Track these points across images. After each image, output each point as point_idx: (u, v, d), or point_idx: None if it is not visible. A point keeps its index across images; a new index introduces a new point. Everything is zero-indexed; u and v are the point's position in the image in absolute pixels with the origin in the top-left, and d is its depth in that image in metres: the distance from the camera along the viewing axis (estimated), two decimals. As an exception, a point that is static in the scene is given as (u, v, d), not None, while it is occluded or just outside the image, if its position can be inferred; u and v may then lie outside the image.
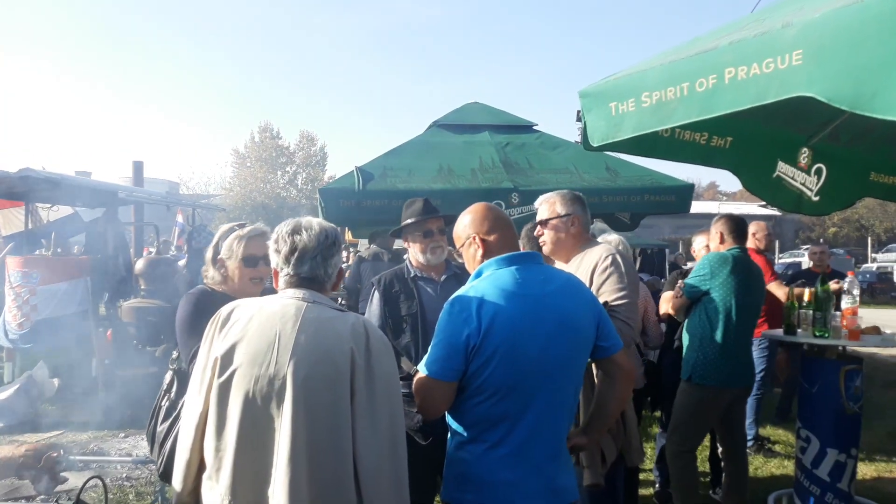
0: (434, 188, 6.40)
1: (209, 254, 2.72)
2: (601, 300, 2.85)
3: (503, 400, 2.07)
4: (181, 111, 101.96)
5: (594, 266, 2.99)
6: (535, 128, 8.12)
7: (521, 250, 2.28)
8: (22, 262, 7.33)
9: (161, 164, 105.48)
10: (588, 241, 3.23)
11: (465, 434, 2.15)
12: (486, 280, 2.16)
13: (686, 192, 6.97)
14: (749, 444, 6.12)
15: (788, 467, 5.64)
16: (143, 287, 7.79)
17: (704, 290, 3.97)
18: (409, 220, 3.39)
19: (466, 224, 2.33)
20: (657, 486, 4.90)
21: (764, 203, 5.07)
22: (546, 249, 3.22)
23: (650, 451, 5.33)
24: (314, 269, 1.98)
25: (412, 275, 3.44)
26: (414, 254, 3.43)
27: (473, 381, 2.08)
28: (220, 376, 1.89)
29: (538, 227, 3.24)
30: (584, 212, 3.22)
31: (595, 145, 3.34)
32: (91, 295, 7.40)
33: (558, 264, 3.28)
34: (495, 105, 8.48)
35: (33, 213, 8.26)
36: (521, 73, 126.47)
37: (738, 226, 4.18)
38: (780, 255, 30.03)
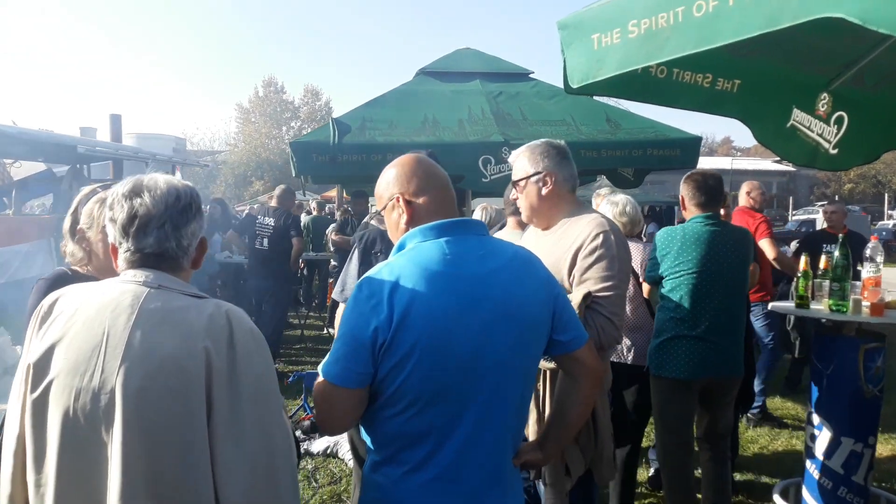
0: (417, 141, 5.87)
1: (66, 223, 2.22)
2: (583, 288, 2.37)
3: (426, 410, 1.60)
4: (187, 66, 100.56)
5: (580, 244, 2.41)
6: (531, 76, 7.51)
7: (458, 215, 1.77)
8: (-22, 223, 6.92)
9: (168, 121, 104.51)
10: (574, 204, 2.61)
11: (379, 454, 1.68)
12: (407, 255, 1.67)
13: (693, 146, 6.40)
14: (755, 412, 5.70)
15: (797, 446, 5.20)
16: None
17: (658, 274, 3.46)
18: None
19: (390, 181, 1.82)
20: (651, 470, 4.48)
21: (778, 158, 4.49)
22: (523, 217, 2.69)
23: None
24: (161, 241, 1.50)
25: None
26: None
27: (386, 387, 1.60)
28: (33, 390, 1.46)
29: (514, 190, 2.67)
30: (563, 166, 2.55)
31: (574, 87, 2.82)
32: (56, 258, 6.98)
33: (533, 235, 2.74)
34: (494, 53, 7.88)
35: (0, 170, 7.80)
36: (521, 26, 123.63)
37: (700, 188, 3.49)
38: (795, 213, 29.24)
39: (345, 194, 12.70)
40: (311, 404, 5.61)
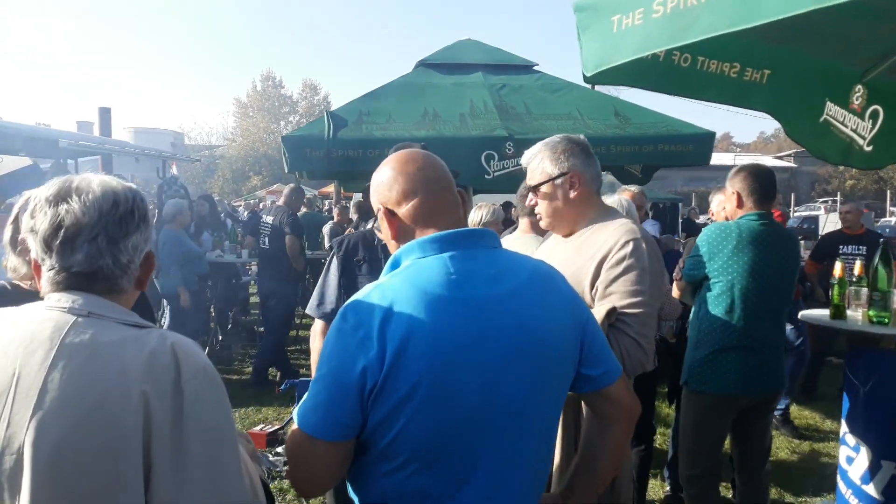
0: (416, 135, 5.57)
1: (6, 233, 1.90)
2: (607, 303, 2.03)
3: (428, 467, 1.30)
4: (186, 62, 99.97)
5: (606, 253, 2.07)
6: (535, 68, 7.21)
7: (478, 225, 1.45)
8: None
9: (167, 116, 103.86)
10: (599, 207, 2.26)
11: None
12: (402, 275, 1.37)
13: (706, 142, 6.11)
14: (776, 414, 5.40)
15: (822, 460, 4.92)
16: None
17: (703, 274, 3.12)
18: None
19: (374, 188, 1.52)
20: (668, 489, 4.19)
21: (779, 154, 4.16)
22: (543, 224, 2.32)
23: (662, 438, 4.62)
24: (93, 258, 1.20)
25: (384, 241, 2.63)
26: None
27: (379, 438, 1.30)
28: None
29: (530, 195, 2.30)
30: (589, 164, 2.21)
31: (589, 74, 2.51)
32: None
33: (553, 243, 2.39)
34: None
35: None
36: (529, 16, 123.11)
37: (761, 183, 3.14)
38: (796, 209, 28.99)
39: (342, 191, 12.35)
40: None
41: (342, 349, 1.29)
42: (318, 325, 2.72)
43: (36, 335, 1.14)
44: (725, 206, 3.39)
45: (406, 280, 1.34)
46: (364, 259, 2.65)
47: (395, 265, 1.43)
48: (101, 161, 8.80)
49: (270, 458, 4.64)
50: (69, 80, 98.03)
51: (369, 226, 2.93)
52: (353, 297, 1.37)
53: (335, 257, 2.70)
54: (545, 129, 5.89)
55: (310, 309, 2.74)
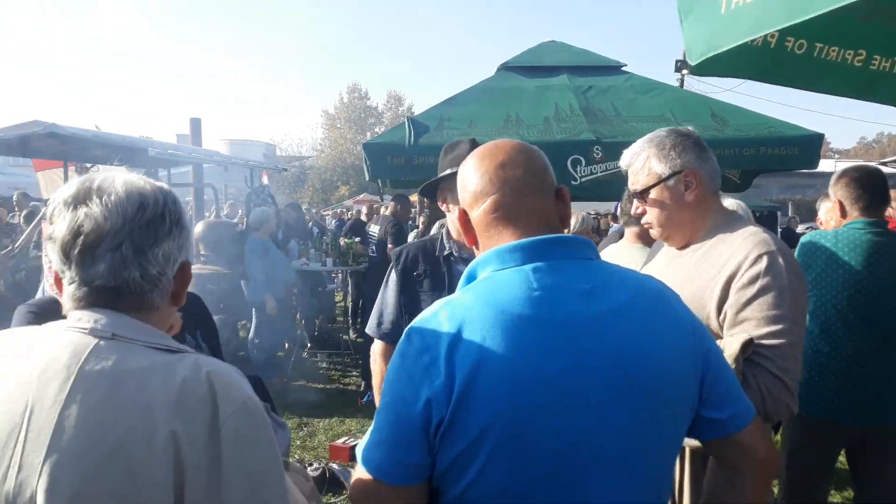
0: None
1: (44, 237, 1.83)
2: (739, 332, 1.68)
3: None
4: (280, 73, 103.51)
5: (735, 270, 1.71)
6: (623, 69, 6.88)
7: (569, 231, 1.22)
8: (56, 228, 6.88)
9: (259, 127, 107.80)
10: (722, 213, 1.91)
11: None
12: (476, 291, 1.15)
13: (813, 144, 5.62)
14: None
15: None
16: (202, 252, 7.39)
17: None
18: (449, 170, 2.31)
19: (458, 185, 1.32)
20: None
21: (885, 160, 3.70)
22: (655, 234, 1.98)
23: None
24: (117, 269, 1.04)
25: (446, 252, 2.42)
26: (453, 222, 2.39)
27: (448, 487, 1.10)
28: None
29: (636, 202, 1.98)
30: (704, 160, 1.90)
31: (695, 63, 2.25)
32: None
33: (666, 258, 2.06)
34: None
35: (80, 173, 7.82)
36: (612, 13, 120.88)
37: (867, 187, 2.73)
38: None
39: (425, 200, 12.30)
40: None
41: (405, 377, 1.10)
42: (377, 345, 2.52)
43: (51, 362, 0.99)
44: (832, 218, 3.00)
45: (479, 296, 1.12)
46: (425, 273, 2.40)
47: (471, 278, 1.22)
48: (193, 170, 9.04)
49: (352, 472, 4.53)
50: (169, 93, 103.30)
51: (433, 231, 2.71)
52: (419, 317, 1.18)
53: (393, 271, 2.46)
54: (636, 131, 5.58)
55: (369, 328, 2.53)
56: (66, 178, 7.63)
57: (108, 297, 1.06)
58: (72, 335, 1.02)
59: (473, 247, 1.29)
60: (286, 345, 7.74)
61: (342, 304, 11.17)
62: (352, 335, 8.52)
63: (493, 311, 1.09)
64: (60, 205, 1.06)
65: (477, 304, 1.11)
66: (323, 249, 8.50)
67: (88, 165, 7.84)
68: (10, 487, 0.94)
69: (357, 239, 8.44)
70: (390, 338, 2.44)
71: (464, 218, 1.28)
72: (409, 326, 1.17)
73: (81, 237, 1.03)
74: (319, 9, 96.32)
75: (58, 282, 1.10)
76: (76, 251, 1.03)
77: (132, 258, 1.05)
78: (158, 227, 1.07)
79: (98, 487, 0.92)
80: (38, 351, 1.02)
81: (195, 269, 7.58)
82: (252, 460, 0.99)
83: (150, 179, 1.14)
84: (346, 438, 5.15)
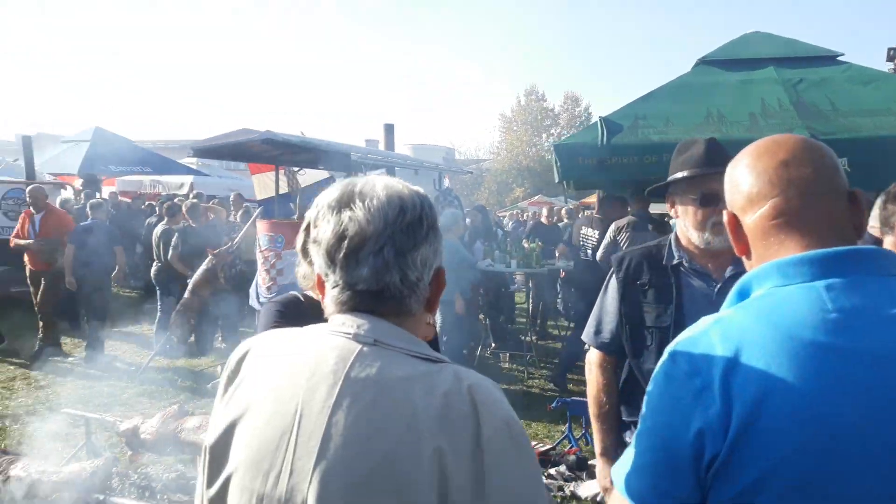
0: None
1: (299, 240, 1.91)
2: None
3: None
4: (458, 79, 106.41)
5: None
6: (839, 59, 6.29)
7: (856, 243, 1.06)
8: (269, 227, 7.49)
9: (440, 132, 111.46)
10: None
11: None
12: (755, 309, 1.03)
13: None
14: None
15: None
16: None
17: None
18: (680, 174, 2.14)
19: (727, 185, 1.20)
20: None
21: None
22: None
23: None
24: (379, 273, 1.03)
25: (675, 261, 2.19)
26: (684, 228, 2.18)
27: None
28: (209, 483, 1.07)
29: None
30: None
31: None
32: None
33: None
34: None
35: (289, 177, 8.50)
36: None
37: None
38: None
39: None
40: (577, 435, 5.12)
41: (671, 401, 1.02)
42: (593, 354, 2.40)
43: (319, 366, 1.01)
44: None
45: (760, 316, 1.00)
46: (649, 283, 2.20)
47: (744, 294, 1.09)
48: (385, 174, 9.50)
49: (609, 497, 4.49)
50: (361, 101, 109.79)
51: (608, 234, 2.57)
52: (683, 335, 1.08)
53: (614, 277, 2.31)
54: (857, 127, 5.08)
55: (586, 335, 2.40)
56: (276, 181, 8.34)
57: (369, 302, 1.05)
58: (337, 339, 1.03)
59: (744, 257, 1.16)
60: (470, 343, 7.90)
61: (523, 305, 11.22)
62: (533, 337, 8.53)
63: (778, 335, 0.95)
64: (325, 208, 1.08)
65: (756, 325, 0.98)
66: (507, 251, 8.59)
67: (296, 169, 8.52)
68: (281, 491, 0.96)
69: (539, 242, 8.43)
70: (609, 347, 2.34)
71: (734, 224, 1.14)
72: (672, 346, 1.08)
73: (346, 240, 1.03)
74: (497, 12, 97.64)
75: (320, 285, 1.12)
76: (341, 254, 1.04)
77: (393, 262, 1.04)
78: (417, 231, 1.06)
79: (366, 500, 0.92)
80: (304, 353, 1.05)
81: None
82: (516, 483, 0.95)
83: (408, 184, 1.15)
84: (534, 444, 5.15)
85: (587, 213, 11.40)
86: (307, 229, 1.87)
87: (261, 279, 7.56)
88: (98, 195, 13.26)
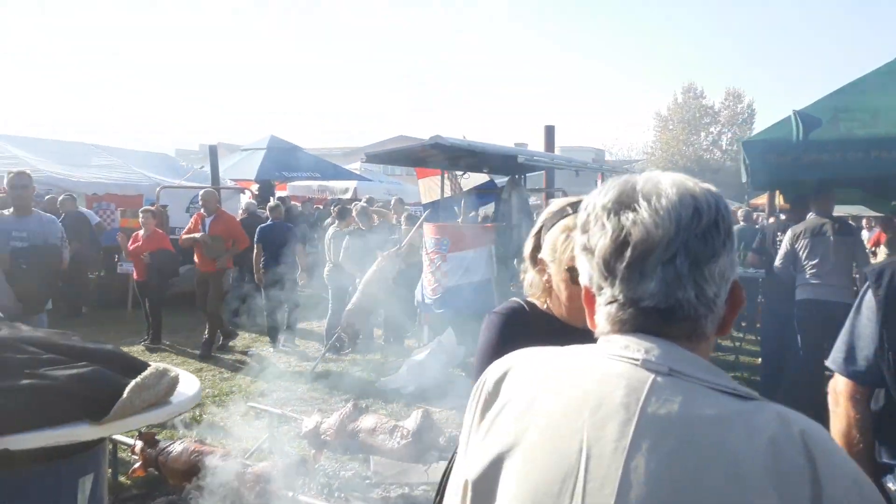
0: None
1: (528, 245, 1.74)
2: None
3: None
4: (608, 78, 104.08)
5: None
6: None
7: None
8: (434, 230, 7.60)
9: (587, 133, 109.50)
10: None
11: None
12: None
13: None
14: None
15: None
16: None
17: None
18: None
19: None
20: None
21: None
22: None
23: None
24: (670, 288, 0.88)
25: None
26: None
27: None
28: None
29: None
30: None
31: None
32: (495, 264, 7.32)
33: None
34: None
35: (452, 181, 8.60)
36: None
37: None
38: None
39: (781, 201, 11.14)
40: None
41: None
42: (841, 384, 2.07)
43: (605, 397, 0.86)
44: None
45: None
46: None
47: None
48: (545, 175, 9.38)
49: None
50: (514, 102, 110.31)
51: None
52: None
53: (870, 294, 1.99)
54: None
55: (832, 362, 2.10)
56: (442, 185, 8.45)
57: (656, 322, 0.89)
58: (620, 366, 0.88)
59: None
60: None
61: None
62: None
63: None
64: (599, 210, 0.93)
65: None
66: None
67: (459, 173, 8.60)
68: None
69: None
70: (864, 377, 2.02)
71: None
72: None
73: (629, 248, 0.88)
74: (656, 10, 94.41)
75: (588, 299, 0.98)
76: (622, 265, 0.89)
77: (687, 274, 0.87)
78: (714, 236, 0.89)
79: None
80: (582, 380, 0.91)
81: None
82: None
83: (696, 180, 0.97)
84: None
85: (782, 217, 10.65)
86: (537, 235, 1.79)
87: (426, 281, 7.71)
88: (272, 199, 14.18)
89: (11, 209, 5.32)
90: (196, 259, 8.24)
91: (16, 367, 2.08)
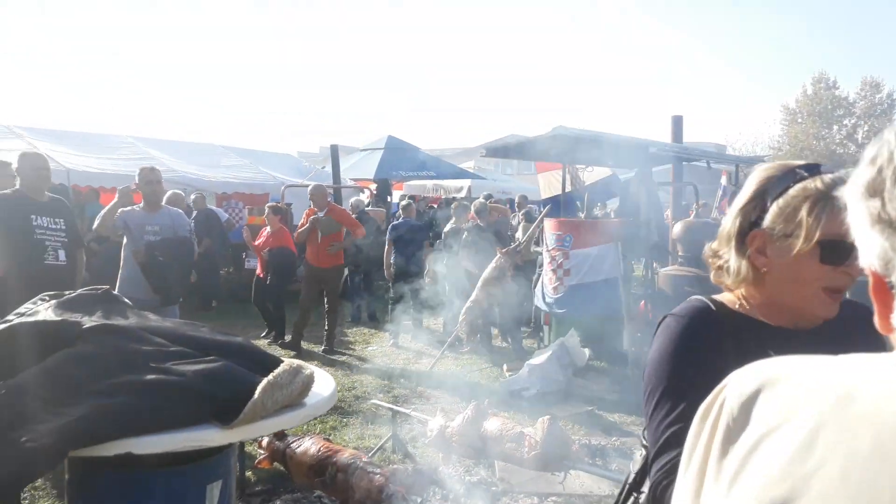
0: None
1: (731, 222, 1.39)
2: None
3: None
4: (727, 70, 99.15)
5: None
6: None
7: None
8: (556, 225, 7.29)
9: (706, 126, 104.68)
10: None
11: None
12: None
13: None
14: None
15: None
16: (680, 253, 7.20)
17: None
18: None
19: None
20: None
21: None
22: None
23: None
24: None
25: None
26: None
27: None
28: None
29: None
30: None
31: None
32: (622, 261, 6.93)
33: None
34: None
35: (572, 175, 8.26)
36: None
37: None
38: None
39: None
40: None
41: None
42: None
43: None
44: None
45: None
46: None
47: None
48: (673, 168, 8.86)
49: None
50: (632, 96, 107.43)
51: None
52: None
53: None
54: None
55: None
56: (563, 179, 8.14)
57: None
58: None
59: None
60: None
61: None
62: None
63: None
64: None
65: None
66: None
67: (581, 167, 8.26)
68: None
69: None
70: None
71: None
72: None
73: None
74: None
75: (881, 290, 0.71)
76: None
77: None
78: None
79: None
80: (877, 409, 0.63)
81: (673, 271, 7.39)
82: None
83: None
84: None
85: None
86: (752, 206, 1.47)
87: (547, 279, 7.40)
88: (388, 198, 14.29)
89: (142, 204, 5.49)
90: (308, 256, 8.12)
91: (141, 360, 1.96)
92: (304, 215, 8.23)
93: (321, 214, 7.91)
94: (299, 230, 8.05)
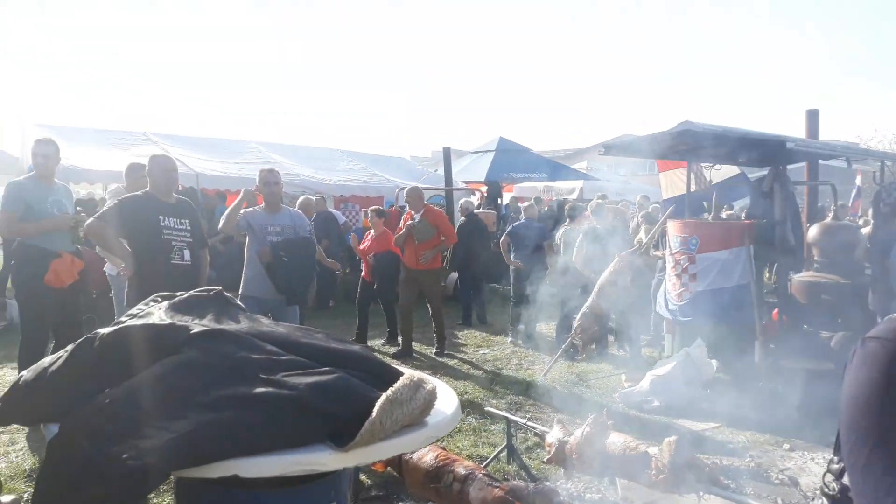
0: None
1: None
2: None
3: None
4: (862, 66, 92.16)
5: None
6: None
7: None
8: (681, 227, 6.85)
9: (837, 124, 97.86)
10: None
11: None
12: None
13: None
14: None
15: None
16: (816, 258, 6.62)
17: None
18: None
19: None
20: None
21: None
22: None
23: None
24: None
25: None
26: None
27: None
28: None
29: None
30: None
31: None
32: (754, 266, 6.41)
33: None
34: None
35: (697, 174, 7.78)
36: None
37: None
38: None
39: None
40: None
41: None
42: None
43: None
44: None
45: None
46: None
47: None
48: (808, 166, 8.18)
49: None
50: (763, 92, 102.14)
51: None
52: None
53: None
54: None
55: None
56: (688, 178, 7.69)
57: None
58: None
59: None
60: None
61: None
62: None
63: None
64: None
65: None
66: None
67: (707, 165, 7.76)
68: None
69: None
70: None
71: None
72: None
73: None
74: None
75: None
76: None
77: None
78: None
79: None
80: None
81: (808, 277, 6.77)
82: None
83: None
84: None
85: None
86: None
87: (669, 285, 6.98)
88: (499, 200, 14.15)
89: (263, 205, 5.59)
90: (405, 257, 8.00)
91: (251, 370, 1.84)
92: (402, 220, 8.23)
93: (417, 217, 7.86)
94: (396, 234, 8.03)
